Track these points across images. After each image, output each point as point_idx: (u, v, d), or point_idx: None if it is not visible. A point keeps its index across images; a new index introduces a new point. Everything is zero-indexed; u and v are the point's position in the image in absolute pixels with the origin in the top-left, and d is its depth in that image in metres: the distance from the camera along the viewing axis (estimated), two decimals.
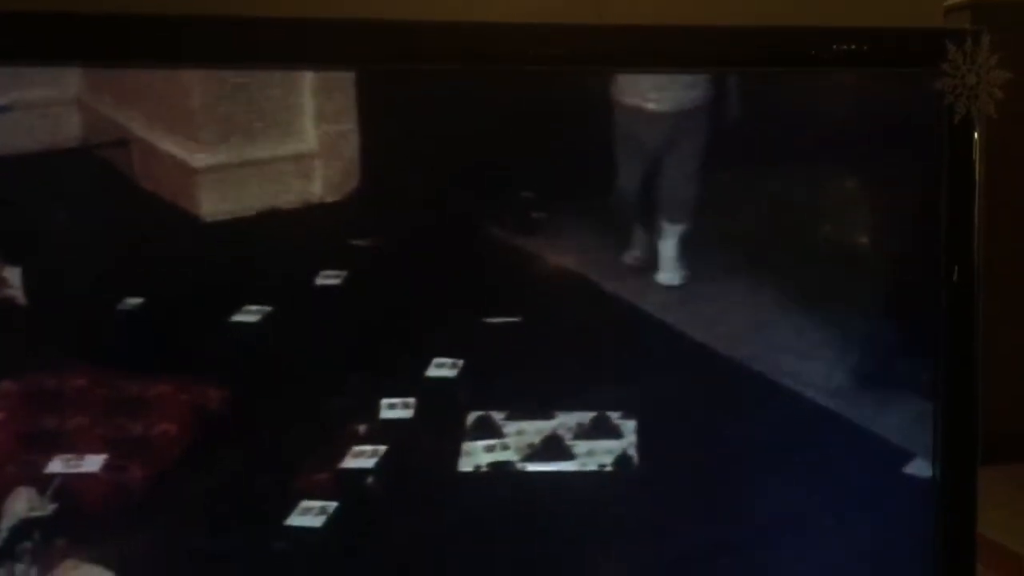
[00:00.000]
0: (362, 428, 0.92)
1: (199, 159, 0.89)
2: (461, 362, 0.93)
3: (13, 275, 0.86)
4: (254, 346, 0.91)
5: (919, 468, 0.98)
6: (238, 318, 0.90)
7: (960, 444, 0.97)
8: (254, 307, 0.90)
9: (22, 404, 0.89)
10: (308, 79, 0.89)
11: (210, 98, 0.88)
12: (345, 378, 0.92)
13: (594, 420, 0.95)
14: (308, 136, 0.91)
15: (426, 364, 0.93)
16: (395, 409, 0.92)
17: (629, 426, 0.95)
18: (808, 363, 0.97)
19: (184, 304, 0.90)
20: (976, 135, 0.94)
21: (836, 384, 0.98)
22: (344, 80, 0.89)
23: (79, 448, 0.89)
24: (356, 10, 0.87)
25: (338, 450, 0.92)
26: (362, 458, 0.92)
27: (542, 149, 0.93)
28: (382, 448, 0.92)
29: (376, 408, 0.92)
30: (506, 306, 0.94)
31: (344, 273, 0.91)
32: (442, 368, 0.93)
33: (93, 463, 0.89)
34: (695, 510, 0.97)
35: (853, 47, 0.93)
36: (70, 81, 0.87)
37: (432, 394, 0.93)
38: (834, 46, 0.92)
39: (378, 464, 0.92)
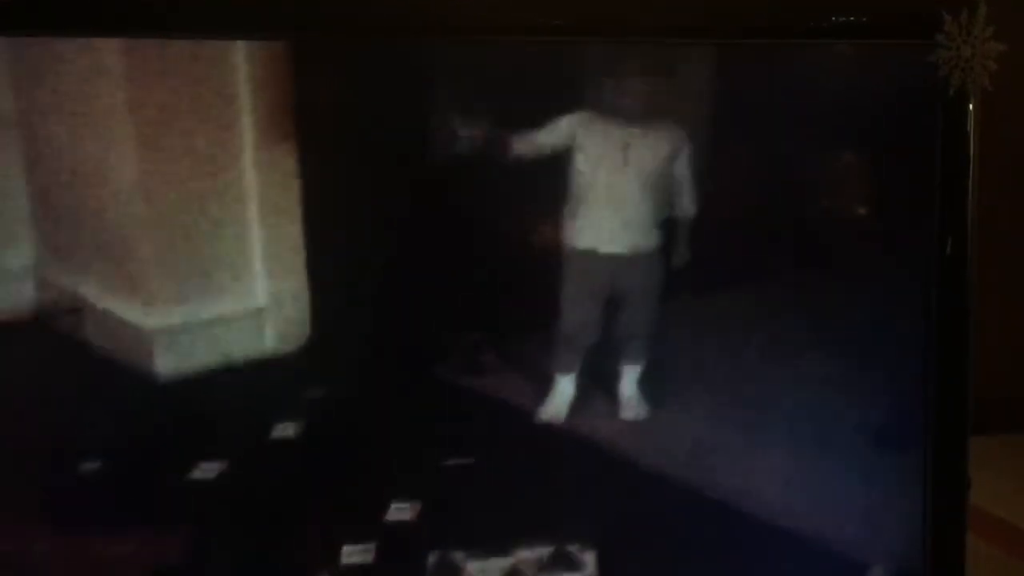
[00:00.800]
0: None
1: (151, 320, 0.91)
2: (419, 504, 0.94)
3: None
4: (213, 502, 0.92)
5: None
6: (195, 475, 0.91)
7: (952, 413, 0.97)
8: (211, 464, 0.92)
9: None
10: (257, 235, 0.92)
11: (161, 256, 0.90)
12: (304, 528, 0.94)
13: (553, 554, 0.97)
14: (259, 292, 0.93)
15: (385, 508, 0.94)
16: (356, 555, 0.94)
17: (589, 558, 0.97)
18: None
19: (141, 464, 0.91)
20: (971, 107, 0.93)
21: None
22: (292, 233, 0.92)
23: None
24: None
25: None
26: None
27: (493, 291, 0.95)
28: None
29: (337, 555, 0.93)
30: (461, 447, 0.95)
31: (299, 424, 0.93)
32: (401, 511, 0.94)
33: None
34: None
35: (849, 19, 0.92)
36: (24, 252, 0.89)
37: (392, 537, 0.94)
38: (831, 17, 0.92)
39: None
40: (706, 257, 0.96)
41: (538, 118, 0.91)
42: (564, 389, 0.97)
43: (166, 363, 0.91)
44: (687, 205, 0.96)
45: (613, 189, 0.94)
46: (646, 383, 0.97)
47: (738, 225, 0.97)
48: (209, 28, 0.86)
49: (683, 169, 0.95)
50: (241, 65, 0.87)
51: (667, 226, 0.96)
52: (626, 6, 0.90)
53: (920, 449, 0.97)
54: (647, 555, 0.98)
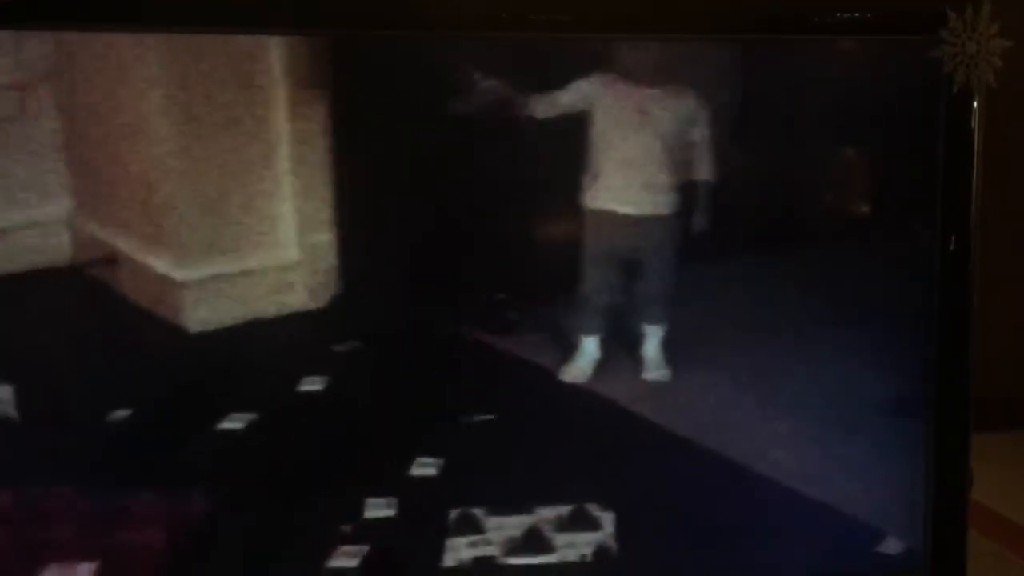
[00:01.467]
0: (347, 528, 0.95)
1: (182, 273, 0.93)
2: (442, 461, 0.96)
3: (5, 392, 0.90)
4: (240, 453, 0.94)
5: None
6: (224, 426, 0.93)
7: (954, 409, 0.97)
8: (239, 415, 0.93)
9: (14, 516, 0.91)
10: (288, 190, 0.93)
11: (192, 209, 0.92)
12: (329, 480, 0.95)
13: (573, 512, 0.98)
14: (289, 247, 0.95)
15: (408, 463, 0.96)
16: (379, 509, 0.95)
17: (608, 517, 0.98)
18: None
19: (170, 414, 0.93)
20: (975, 103, 0.94)
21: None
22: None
23: (71, 558, 0.91)
24: None
25: (324, 550, 0.94)
26: (347, 558, 0.94)
27: (517, 250, 0.96)
28: (366, 548, 0.94)
29: (360, 508, 0.95)
30: (485, 405, 0.96)
31: (326, 379, 0.94)
32: (424, 467, 0.96)
33: (84, 572, 0.91)
34: None
35: (854, 15, 0.93)
36: (61, 203, 0.91)
37: (414, 492, 0.95)
38: (836, 13, 0.92)
39: (363, 563, 0.94)
40: (725, 222, 0.97)
41: (558, 79, 0.92)
42: (588, 350, 0.98)
43: (196, 315, 0.93)
44: (705, 170, 0.96)
45: (630, 151, 0.95)
46: (669, 345, 0.98)
47: (753, 197, 0.98)
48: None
49: (701, 134, 0.96)
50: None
51: (686, 190, 0.97)
52: (632, 2, 0.91)
53: (922, 445, 0.98)
54: (664, 516, 0.99)
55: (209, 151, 0.90)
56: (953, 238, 0.95)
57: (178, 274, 0.93)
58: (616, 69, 0.93)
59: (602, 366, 0.98)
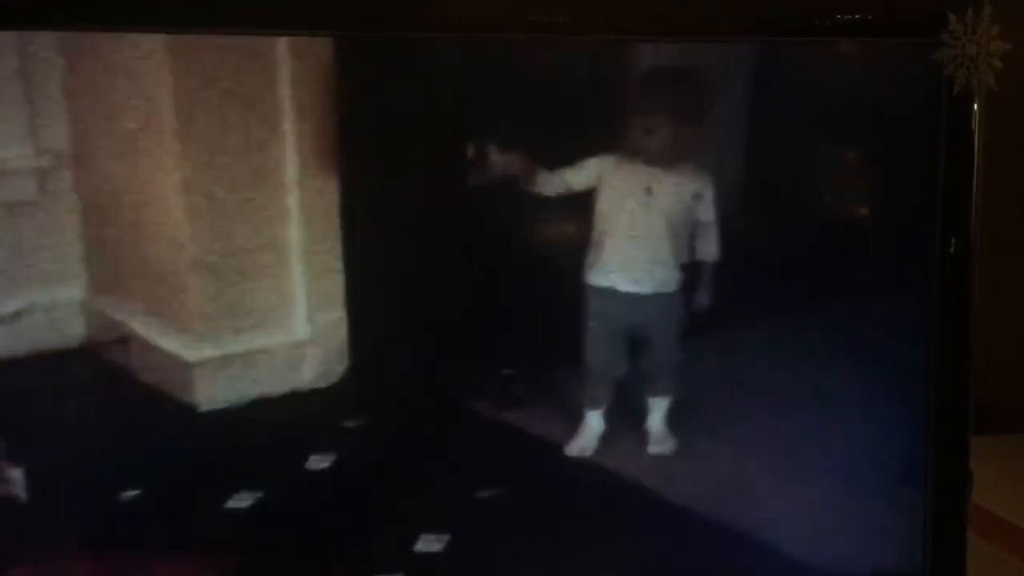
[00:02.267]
0: None
1: (193, 352, 0.94)
2: (447, 536, 0.96)
3: (16, 475, 0.90)
4: (247, 531, 0.94)
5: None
6: (231, 505, 0.94)
7: (953, 412, 0.96)
8: (246, 493, 0.94)
9: None
10: (298, 269, 0.96)
11: (204, 290, 0.94)
12: (336, 557, 0.95)
13: None
14: (299, 325, 0.97)
15: (415, 539, 0.96)
16: None
17: None
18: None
19: (179, 493, 0.93)
20: (975, 106, 0.93)
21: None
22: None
23: None
24: None
25: None
26: None
27: (524, 326, 0.98)
28: None
29: None
30: (492, 480, 0.97)
31: (333, 456, 0.95)
32: (430, 543, 0.96)
33: None
34: None
35: (854, 17, 0.92)
36: (74, 283, 0.93)
37: (421, 569, 0.95)
38: (835, 15, 0.92)
39: None
40: (731, 296, 0.98)
41: (568, 156, 0.95)
42: (593, 424, 0.99)
43: (206, 394, 0.94)
44: (711, 249, 0.98)
45: (635, 230, 0.97)
46: (674, 418, 0.99)
47: (761, 261, 0.99)
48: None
49: (707, 212, 0.98)
50: (284, 99, 0.92)
51: (691, 267, 0.98)
52: (626, 5, 0.91)
53: (922, 447, 0.97)
54: None
55: (222, 233, 0.93)
56: (953, 241, 0.95)
57: (189, 354, 0.94)
58: (625, 148, 0.96)
59: (607, 440, 0.99)
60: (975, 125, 0.94)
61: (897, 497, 0.99)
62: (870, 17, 0.92)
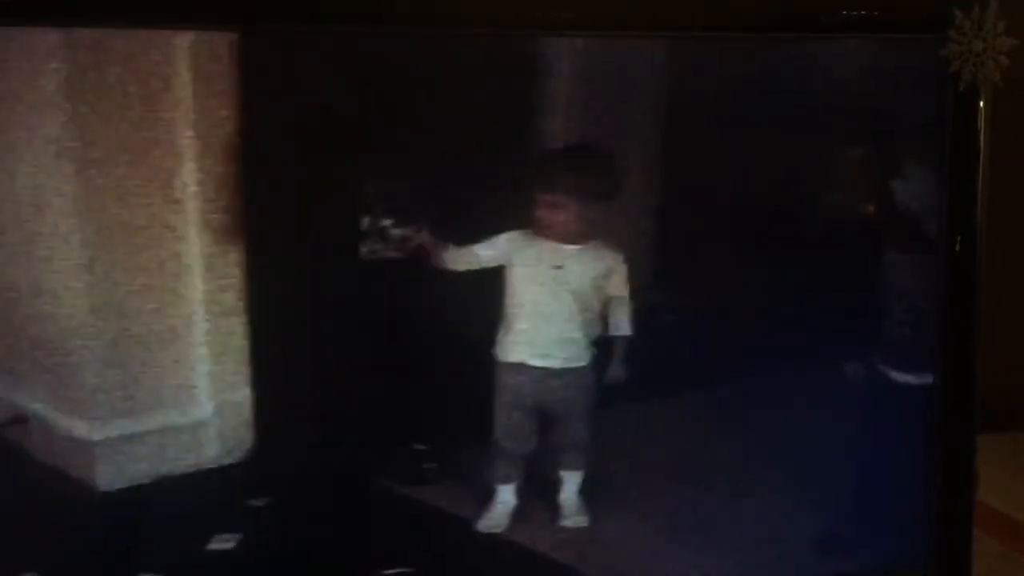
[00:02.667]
0: None
1: (93, 433, 0.92)
2: None
3: None
4: None
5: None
6: None
7: (959, 409, 0.96)
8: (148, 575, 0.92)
9: None
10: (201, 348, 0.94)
11: (104, 369, 0.92)
12: None
13: None
14: (202, 404, 0.95)
15: None
16: None
17: None
18: None
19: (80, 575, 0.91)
20: (982, 103, 0.93)
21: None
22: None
23: None
24: None
25: None
26: None
27: (433, 402, 0.97)
28: None
29: None
30: (401, 558, 0.95)
31: (238, 536, 0.93)
32: None
33: None
34: None
35: (860, 13, 0.91)
36: None
37: None
38: (842, 12, 0.91)
39: None
40: (642, 368, 0.98)
41: (478, 232, 0.94)
42: (505, 499, 0.97)
43: (106, 474, 0.92)
44: (622, 324, 0.97)
45: (543, 306, 0.96)
46: (587, 491, 0.98)
47: (688, 331, 0.99)
48: None
49: (619, 288, 0.97)
50: (186, 164, 0.90)
51: (601, 343, 0.97)
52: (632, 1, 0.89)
53: (928, 446, 0.97)
54: None
55: (120, 312, 0.91)
56: (959, 238, 0.95)
57: (89, 434, 0.92)
58: (535, 224, 0.95)
59: (519, 514, 0.98)
60: (981, 122, 0.93)
61: (903, 495, 0.99)
62: (876, 13, 0.92)
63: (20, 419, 0.92)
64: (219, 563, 0.93)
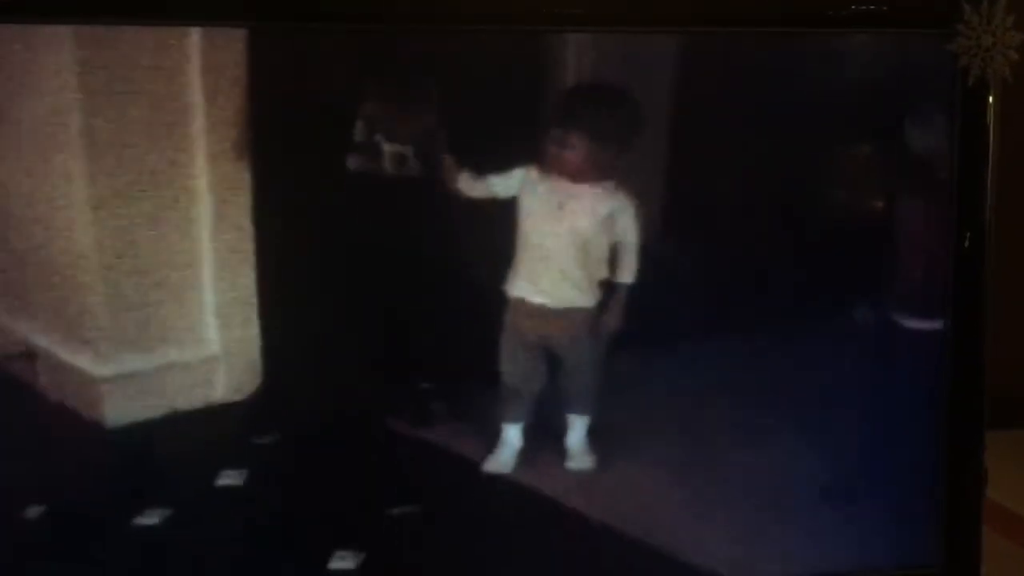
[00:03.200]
0: None
1: (101, 368, 0.92)
2: (363, 554, 0.94)
3: None
4: (157, 548, 0.92)
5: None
6: (140, 521, 0.92)
7: (968, 407, 0.96)
8: (156, 510, 0.92)
9: None
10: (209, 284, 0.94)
11: (112, 304, 0.92)
12: (247, 574, 0.94)
13: None
14: (210, 341, 0.95)
15: (328, 557, 0.94)
16: None
17: None
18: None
19: (86, 510, 0.91)
20: (990, 98, 0.92)
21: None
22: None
23: None
24: None
25: None
26: None
27: (440, 339, 0.97)
28: None
29: None
30: (407, 497, 0.96)
31: (245, 472, 0.94)
32: (343, 560, 0.94)
33: None
34: None
35: (869, 7, 0.91)
36: None
37: None
38: (850, 6, 0.91)
39: None
40: (647, 315, 0.97)
41: (494, 164, 0.93)
42: (511, 439, 0.97)
43: (114, 410, 0.92)
44: (624, 272, 0.96)
45: (546, 243, 0.95)
46: (594, 435, 0.98)
47: (691, 286, 0.98)
48: None
49: (626, 234, 0.96)
50: (197, 110, 0.90)
51: (604, 287, 0.97)
52: None
53: (936, 443, 0.97)
54: None
55: (129, 248, 0.91)
56: (967, 234, 0.94)
57: (96, 370, 0.92)
58: (548, 162, 0.94)
59: (526, 456, 0.98)
60: (990, 117, 0.93)
61: (912, 492, 0.99)
62: (884, 8, 0.91)
63: (27, 353, 0.93)
64: (226, 499, 0.93)
